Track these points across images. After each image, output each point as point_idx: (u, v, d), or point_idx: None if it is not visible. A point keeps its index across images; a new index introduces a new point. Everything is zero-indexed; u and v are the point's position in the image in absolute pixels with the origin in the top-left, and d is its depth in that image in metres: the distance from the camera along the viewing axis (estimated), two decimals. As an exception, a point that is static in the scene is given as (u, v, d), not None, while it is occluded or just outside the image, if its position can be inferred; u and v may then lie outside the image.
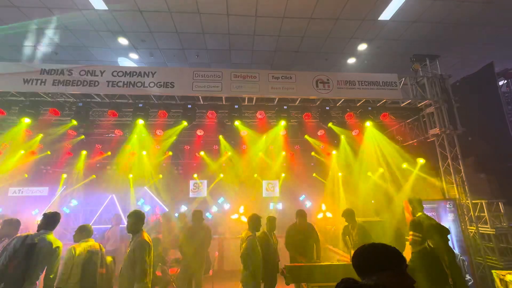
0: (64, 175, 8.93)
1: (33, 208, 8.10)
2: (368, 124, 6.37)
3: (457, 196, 5.51)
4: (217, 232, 8.12)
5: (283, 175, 9.46)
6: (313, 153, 8.68)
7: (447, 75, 6.17)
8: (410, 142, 6.94)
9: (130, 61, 7.77)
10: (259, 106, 6.28)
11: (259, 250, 4.02)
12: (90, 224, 3.70)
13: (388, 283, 1.17)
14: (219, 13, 6.02)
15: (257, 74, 5.72)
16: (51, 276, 2.99)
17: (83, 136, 6.57)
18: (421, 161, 6.28)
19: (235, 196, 9.41)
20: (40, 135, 6.84)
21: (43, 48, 6.83)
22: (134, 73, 5.46)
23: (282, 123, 6.20)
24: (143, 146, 8.31)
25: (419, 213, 3.94)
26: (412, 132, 6.89)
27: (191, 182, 9.13)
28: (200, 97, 5.84)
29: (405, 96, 6.06)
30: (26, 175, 8.23)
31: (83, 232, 3.51)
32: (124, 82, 5.37)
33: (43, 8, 5.68)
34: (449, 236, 3.74)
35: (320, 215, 8.45)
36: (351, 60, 8.16)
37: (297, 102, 6.23)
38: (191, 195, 9.15)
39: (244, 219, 8.57)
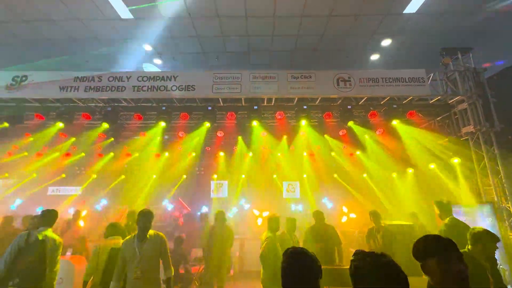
0: (94, 176, 9.50)
1: (69, 206, 8.69)
2: (395, 122, 6.07)
3: (496, 199, 5.06)
4: (237, 232, 8.13)
5: (304, 176, 9.30)
6: (333, 154, 8.43)
7: (482, 69, 5.70)
8: (441, 142, 6.50)
9: (154, 66, 8.10)
10: (279, 106, 6.24)
11: (279, 251, 3.98)
12: (118, 223, 3.83)
13: (434, 268, 1.28)
14: (238, 16, 6.08)
15: (276, 75, 5.70)
16: (54, 270, 3.16)
17: (112, 139, 6.94)
18: (455, 160, 5.84)
19: (255, 197, 9.41)
20: (73, 138, 7.34)
21: (76, 57, 7.35)
22: (158, 78, 5.68)
23: (303, 123, 6.10)
24: (167, 148, 8.61)
25: (448, 217, 3.64)
26: (443, 131, 6.46)
27: (212, 183, 9.26)
28: (220, 99, 5.93)
29: (434, 92, 5.71)
30: (64, 175, 8.86)
31: (112, 230, 3.62)
32: (148, 86, 5.61)
33: (75, 20, 6.11)
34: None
35: (344, 219, 8.19)
36: (375, 57, 7.85)
37: (317, 101, 6.10)
38: (212, 195, 9.27)
39: (259, 221, 8.55)
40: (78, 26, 6.31)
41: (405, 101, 6.03)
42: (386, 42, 7.18)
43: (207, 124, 6.12)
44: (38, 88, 5.54)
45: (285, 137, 7.28)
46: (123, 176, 9.32)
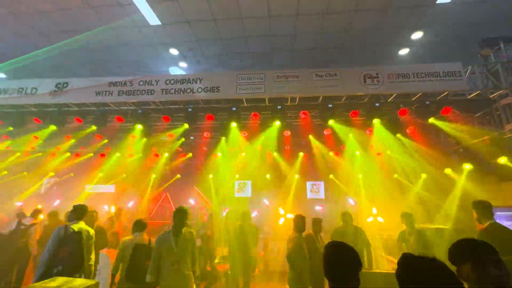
0: (124, 175, 10.05)
1: (103, 203, 9.28)
2: (429, 119, 5.73)
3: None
4: (261, 232, 8.18)
5: (330, 176, 9.09)
6: (358, 153, 8.13)
7: (529, 59, 5.20)
8: (481, 139, 6.02)
9: (180, 69, 8.38)
10: (303, 105, 6.16)
11: (305, 252, 3.94)
12: (143, 219, 4.04)
13: (469, 273, 1.23)
14: (261, 16, 6.10)
15: (300, 74, 5.65)
16: (91, 257, 3.51)
17: (145, 139, 7.29)
18: (502, 160, 5.38)
19: (279, 197, 9.38)
20: (106, 140, 7.83)
21: (110, 63, 7.83)
22: (184, 80, 5.88)
23: (330, 122, 5.97)
24: (191, 148, 8.87)
25: (488, 222, 3.25)
26: (483, 128, 5.97)
27: (236, 182, 9.38)
28: (244, 99, 5.99)
29: (473, 86, 5.30)
30: (101, 175, 9.48)
31: (137, 226, 3.87)
32: (175, 89, 5.83)
33: (109, 28, 6.50)
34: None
35: (370, 219, 7.88)
36: (404, 51, 7.46)
37: (343, 99, 5.94)
38: (236, 194, 9.41)
39: (281, 220, 8.49)
40: (111, 34, 6.71)
41: (439, 97, 5.67)
42: (416, 35, 6.79)
43: (233, 125, 6.20)
44: (77, 94, 5.99)
45: (310, 136, 7.18)
46: (154, 176, 9.75)
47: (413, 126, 6.18)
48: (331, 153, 8.44)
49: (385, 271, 4.48)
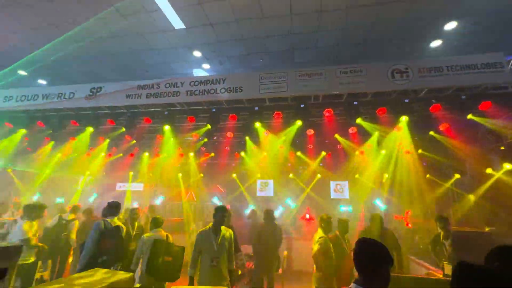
0: (151, 174, 10.50)
1: (133, 200, 9.79)
2: (469, 116, 5.36)
3: None
4: (284, 231, 8.17)
5: (356, 176, 8.83)
6: (383, 152, 7.80)
7: None
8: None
9: (203, 71, 8.59)
10: (327, 103, 6.03)
11: (331, 253, 3.87)
12: (160, 216, 4.27)
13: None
14: (282, 14, 6.06)
15: (323, 71, 5.54)
16: (129, 248, 3.88)
17: (171, 140, 7.58)
18: None
19: (302, 197, 9.29)
20: (134, 141, 8.25)
21: (138, 68, 8.22)
22: (208, 81, 6.02)
23: (353, 119, 5.80)
24: (214, 148, 9.05)
25: None
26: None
27: (258, 182, 9.43)
28: (266, 98, 5.99)
29: (517, 78, 4.85)
30: (131, 173, 10.02)
31: (155, 223, 4.10)
32: (199, 90, 5.99)
33: (136, 34, 6.83)
34: None
35: (400, 221, 7.54)
36: (436, 43, 7.02)
37: (369, 96, 5.73)
38: (258, 194, 9.45)
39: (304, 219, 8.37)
40: (138, 39, 7.05)
41: (476, 91, 5.26)
42: (450, 25, 6.36)
43: (257, 125, 6.23)
44: (109, 97, 6.37)
45: (336, 135, 7.02)
46: (180, 174, 10.10)
47: (447, 122, 5.80)
48: (356, 152, 8.19)
49: (416, 276, 4.27)
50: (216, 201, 10.14)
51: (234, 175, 10.11)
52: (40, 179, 9.79)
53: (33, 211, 4.46)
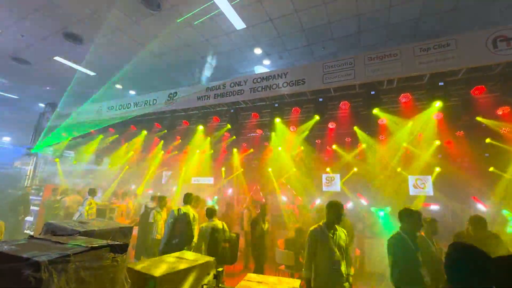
0: (223, 168, 11.33)
1: (207, 195, 10.77)
2: None
3: None
4: (355, 229, 7.68)
5: (437, 169, 7.60)
6: (488, 140, 6.39)
7: None
8: None
9: (263, 67, 8.72)
10: (402, 88, 5.34)
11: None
12: (215, 209, 4.59)
13: None
14: (347, -5, 5.60)
15: (398, 51, 4.91)
16: (194, 234, 4.30)
17: (234, 137, 8.04)
18: None
19: (373, 192, 8.54)
20: (209, 139, 9.00)
21: (207, 71, 8.93)
22: (270, 77, 6.09)
23: (437, 104, 4.96)
24: (280, 143, 9.11)
25: None
26: None
27: (324, 176, 9.10)
28: (331, 89, 5.69)
29: None
30: (206, 169, 11.07)
31: (211, 213, 4.46)
32: (262, 86, 6.12)
33: (204, 41, 7.39)
34: None
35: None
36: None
37: (460, 74, 4.79)
38: (324, 188, 9.13)
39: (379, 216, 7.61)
40: (205, 45, 7.61)
41: None
42: None
43: (317, 117, 6.01)
44: (184, 101, 7.13)
45: (410, 123, 6.17)
46: (241, 169, 10.63)
47: None
48: (437, 142, 7.00)
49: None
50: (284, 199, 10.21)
51: (294, 169, 10.01)
52: (148, 175, 11.82)
53: (161, 201, 5.83)
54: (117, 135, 9.24)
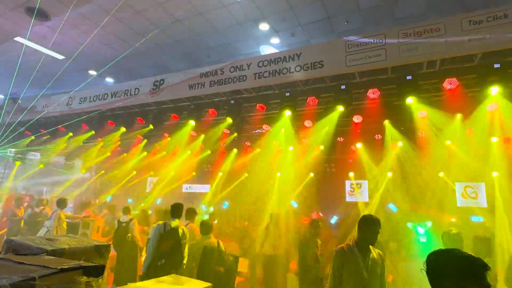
0: (220, 174, 11.38)
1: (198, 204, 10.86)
2: None
3: None
4: (386, 249, 7.63)
5: (494, 174, 7.48)
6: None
7: None
8: None
9: (271, 47, 8.74)
10: (447, 71, 5.27)
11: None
12: (210, 223, 4.61)
13: None
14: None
15: (442, 25, 4.87)
16: (184, 255, 4.22)
17: (236, 134, 8.08)
18: None
19: (410, 203, 8.46)
20: (202, 136, 9.05)
21: (199, 53, 9.02)
22: (279, 59, 6.09)
23: (494, 90, 4.87)
24: (290, 141, 9.11)
25: None
26: None
27: (347, 183, 9.06)
28: (356, 73, 5.66)
29: None
30: (194, 173, 11.15)
31: (205, 229, 4.46)
32: (269, 71, 6.13)
33: (197, 15, 7.45)
34: None
35: None
36: None
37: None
38: (348, 198, 9.10)
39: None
40: (199, 21, 7.68)
41: None
42: None
43: (340, 108, 5.97)
44: (172, 90, 7.21)
45: (458, 116, 6.09)
46: (246, 174, 10.66)
47: None
48: (494, 139, 6.86)
49: None
50: (295, 206, 10.20)
51: (311, 174, 10.00)
52: (123, 181, 12.01)
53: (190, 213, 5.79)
54: (92, 133, 9.37)
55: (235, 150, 10.09)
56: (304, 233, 6.09)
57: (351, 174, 9.30)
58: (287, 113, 6.35)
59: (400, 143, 7.54)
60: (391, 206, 8.89)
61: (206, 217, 8.52)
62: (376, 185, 9.02)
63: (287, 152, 9.35)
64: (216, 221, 7.51)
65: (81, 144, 10.31)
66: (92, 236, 7.17)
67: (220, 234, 7.77)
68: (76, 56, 9.15)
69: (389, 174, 8.75)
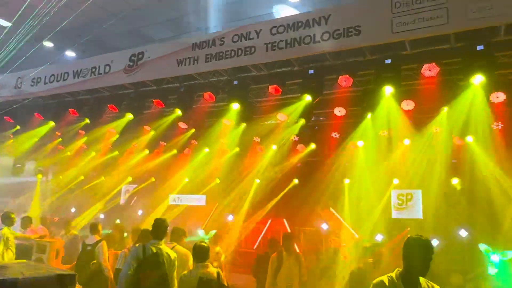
0: (218, 180, 11.41)
1: (194, 220, 10.93)
2: None
3: None
4: (449, 285, 7.62)
5: None
6: None
7: None
8: None
9: (289, 7, 8.72)
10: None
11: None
12: (207, 246, 4.57)
13: None
14: None
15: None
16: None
17: (243, 125, 7.97)
18: None
19: (483, 223, 8.37)
20: (193, 130, 9.06)
21: (192, 16, 9.03)
22: (300, 24, 6.08)
23: None
24: (313, 136, 9.08)
25: None
26: None
27: (394, 193, 9.06)
28: (406, 42, 5.62)
29: None
30: (186, 180, 11.22)
31: (197, 255, 4.43)
32: (286, 41, 6.12)
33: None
34: None
35: None
36: None
37: None
38: (394, 214, 9.10)
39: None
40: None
41: None
42: None
43: (386, 90, 5.91)
44: (155, 66, 7.25)
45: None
46: (256, 181, 10.66)
47: None
48: None
49: None
50: (325, 228, 10.18)
51: (346, 181, 9.95)
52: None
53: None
54: (50, 125, 9.51)
55: (237, 149, 10.09)
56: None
57: (396, 181, 9.23)
58: (308, 97, 6.38)
59: (469, 138, 7.43)
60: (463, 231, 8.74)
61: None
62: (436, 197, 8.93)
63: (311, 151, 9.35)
64: (218, 248, 7.49)
65: (35, 140, 10.48)
66: (50, 262, 7.28)
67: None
68: (27, 23, 9.28)
69: (455, 181, 8.66)
